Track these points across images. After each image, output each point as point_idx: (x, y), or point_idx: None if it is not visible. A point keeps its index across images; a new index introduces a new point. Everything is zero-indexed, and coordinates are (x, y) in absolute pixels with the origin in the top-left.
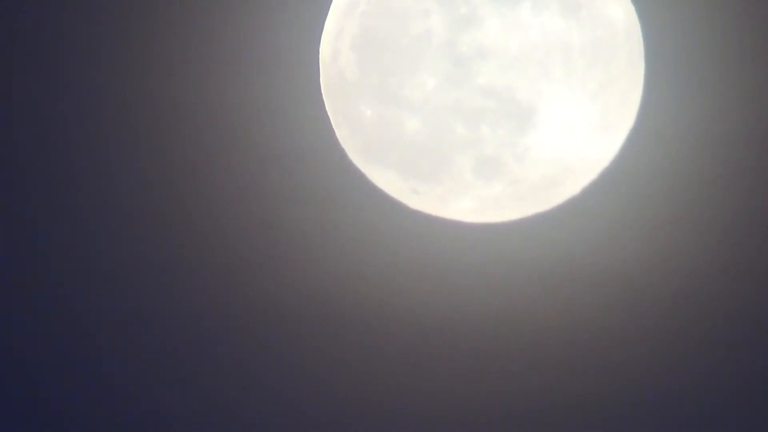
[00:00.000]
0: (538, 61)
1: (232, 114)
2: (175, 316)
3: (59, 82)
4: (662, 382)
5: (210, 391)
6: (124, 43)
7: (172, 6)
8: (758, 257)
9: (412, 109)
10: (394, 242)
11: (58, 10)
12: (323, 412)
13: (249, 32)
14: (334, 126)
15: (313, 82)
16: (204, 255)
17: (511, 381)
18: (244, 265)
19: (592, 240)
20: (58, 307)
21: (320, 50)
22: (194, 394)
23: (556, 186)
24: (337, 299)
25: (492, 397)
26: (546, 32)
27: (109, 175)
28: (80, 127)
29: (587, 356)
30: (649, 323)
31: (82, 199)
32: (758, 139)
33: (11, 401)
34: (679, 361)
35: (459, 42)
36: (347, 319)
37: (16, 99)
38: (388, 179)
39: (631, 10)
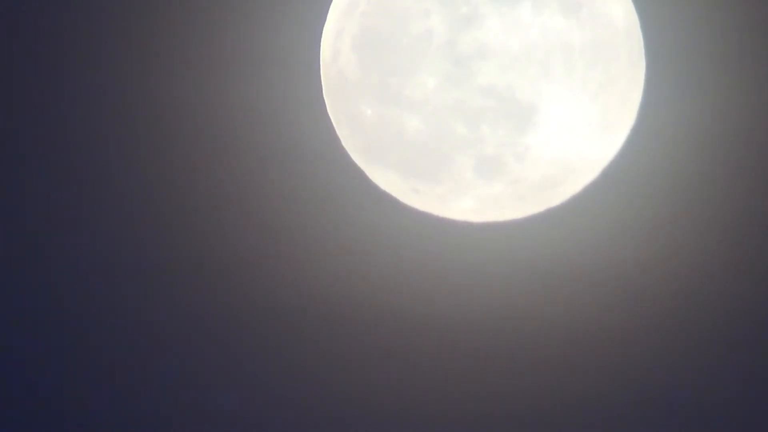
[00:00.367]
0: (539, 61)
1: (233, 114)
2: (175, 316)
3: (59, 81)
4: (662, 382)
5: (210, 391)
6: (124, 43)
7: (172, 6)
8: (758, 257)
9: (413, 108)
10: (394, 242)
11: (58, 10)
12: (323, 412)
13: (249, 32)
14: (334, 126)
15: (314, 82)
16: (204, 255)
17: (511, 381)
18: (244, 265)
19: (592, 240)
20: (57, 307)
21: (321, 50)
22: (194, 394)
23: (556, 186)
24: (337, 299)
25: (492, 397)
26: (546, 32)
27: (109, 175)
28: (80, 127)
29: (587, 356)
30: (649, 323)
31: (82, 199)
32: (758, 139)
33: (11, 401)
34: (679, 361)
35: (459, 42)
36: (347, 318)
37: (16, 99)
38: (388, 179)
39: (632, 9)
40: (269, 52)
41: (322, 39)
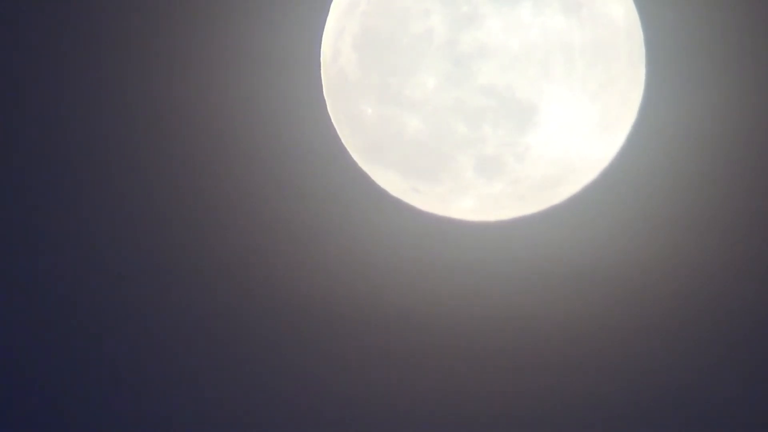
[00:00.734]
0: (539, 61)
1: (233, 114)
2: (174, 316)
3: (59, 81)
4: (662, 382)
5: (209, 391)
6: (124, 43)
7: (172, 6)
8: (758, 257)
9: (413, 108)
10: (394, 241)
11: (58, 10)
12: (323, 412)
13: (249, 32)
14: (334, 125)
15: (314, 81)
16: (204, 255)
17: (511, 380)
18: (243, 264)
19: (592, 240)
20: (57, 306)
21: (321, 50)
22: (193, 394)
23: (556, 185)
24: (338, 298)
25: (492, 396)
26: (547, 32)
27: (109, 174)
28: (79, 127)
29: (587, 356)
30: (649, 323)
31: (82, 199)
32: (758, 139)
33: (11, 401)
34: (679, 361)
35: (460, 41)
36: (347, 318)
37: (16, 99)
38: (388, 178)
39: (632, 9)
40: (269, 52)
41: (323, 39)
